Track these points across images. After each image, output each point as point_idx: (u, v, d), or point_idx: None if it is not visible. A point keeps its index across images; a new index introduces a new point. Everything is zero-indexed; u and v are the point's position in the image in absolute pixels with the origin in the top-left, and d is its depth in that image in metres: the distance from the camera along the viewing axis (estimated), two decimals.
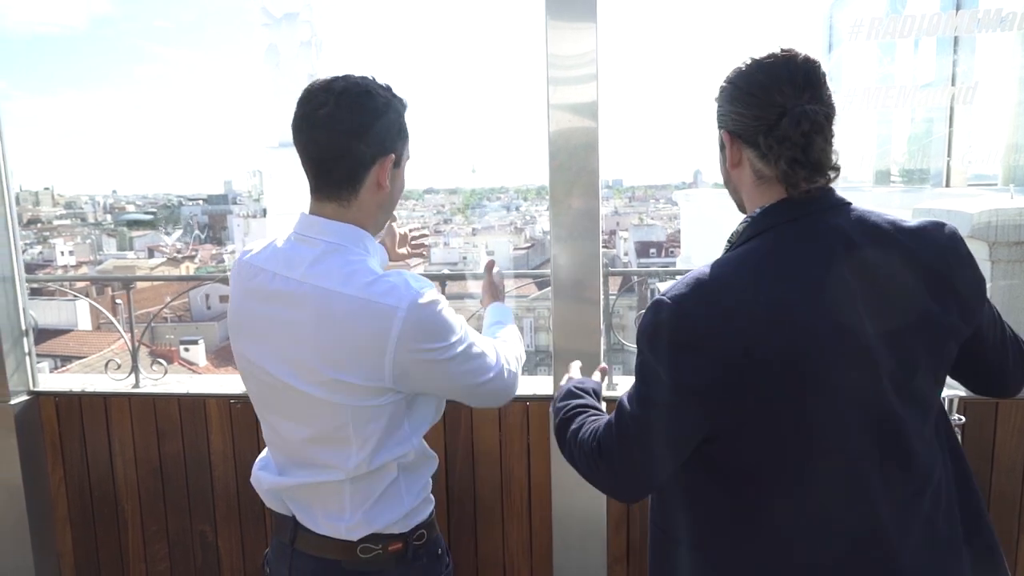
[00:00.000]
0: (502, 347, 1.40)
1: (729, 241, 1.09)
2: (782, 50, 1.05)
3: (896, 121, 5.61)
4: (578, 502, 2.24)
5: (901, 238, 1.04)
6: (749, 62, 1.07)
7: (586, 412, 1.24)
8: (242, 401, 2.45)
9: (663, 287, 1.04)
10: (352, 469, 1.24)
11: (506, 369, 1.35)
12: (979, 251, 2.24)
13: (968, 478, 1.13)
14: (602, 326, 2.23)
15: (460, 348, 1.24)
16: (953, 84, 3.87)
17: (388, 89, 1.25)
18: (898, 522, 1.01)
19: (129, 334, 2.67)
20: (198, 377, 2.69)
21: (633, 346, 2.75)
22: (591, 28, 1.99)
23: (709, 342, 0.96)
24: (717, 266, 1.02)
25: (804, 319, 0.95)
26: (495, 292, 1.74)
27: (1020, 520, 2.22)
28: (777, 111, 1.02)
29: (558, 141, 2.06)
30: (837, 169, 1.05)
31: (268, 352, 1.25)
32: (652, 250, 38.92)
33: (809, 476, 1.00)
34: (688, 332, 0.97)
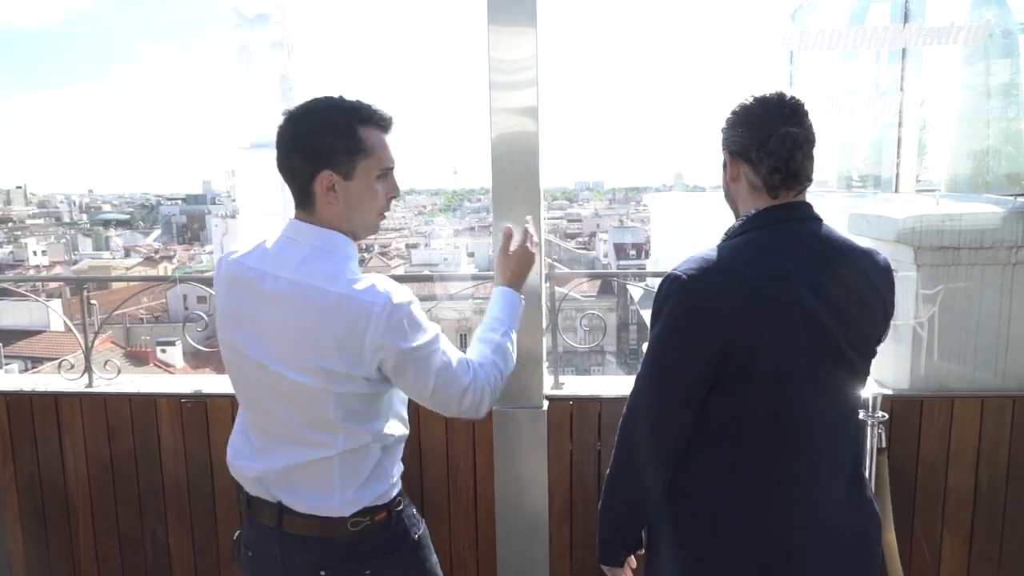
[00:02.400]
0: (482, 361, 1.51)
1: (726, 234, 1.38)
2: (777, 92, 1.35)
3: (858, 127, 5.76)
4: (521, 499, 2.30)
5: (856, 253, 1.36)
6: (751, 98, 1.36)
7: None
8: (193, 400, 2.48)
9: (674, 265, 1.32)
10: (341, 445, 1.38)
11: (473, 387, 1.45)
12: (904, 256, 2.33)
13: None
14: (545, 328, 2.29)
15: (426, 351, 1.38)
16: (901, 91, 4.00)
17: (340, 107, 1.37)
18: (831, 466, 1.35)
19: (83, 335, 2.68)
20: (150, 377, 2.72)
21: (580, 347, 2.79)
22: (531, 33, 2.03)
23: (714, 305, 1.24)
24: (719, 251, 1.31)
25: (774, 297, 1.25)
26: (513, 267, 1.77)
27: (944, 513, 2.31)
28: (768, 134, 1.31)
29: (500, 146, 2.10)
30: (810, 179, 1.36)
31: (260, 344, 1.38)
32: (631, 251, 39.15)
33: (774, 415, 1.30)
34: (697, 297, 1.25)
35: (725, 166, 1.42)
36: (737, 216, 1.42)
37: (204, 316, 2.76)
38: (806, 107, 1.34)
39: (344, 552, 1.42)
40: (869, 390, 2.27)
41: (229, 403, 2.46)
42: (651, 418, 1.34)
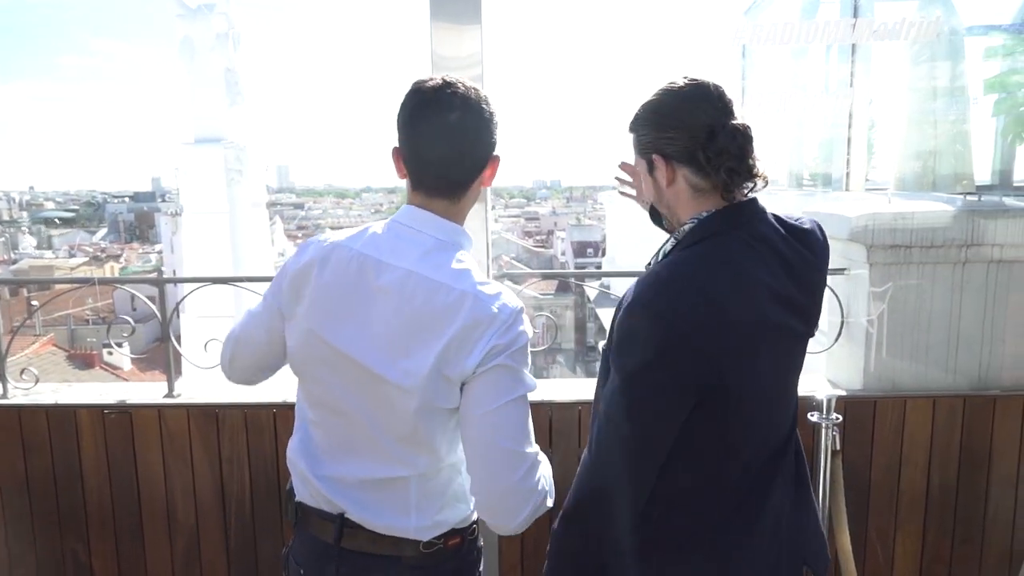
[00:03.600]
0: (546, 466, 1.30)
1: (675, 238, 1.24)
2: (690, 79, 1.21)
3: (808, 125, 5.81)
4: None
5: (805, 238, 1.26)
6: (663, 93, 1.22)
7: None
8: (116, 411, 2.31)
9: (623, 291, 1.18)
10: (422, 467, 1.26)
11: (535, 471, 1.22)
12: (857, 254, 2.30)
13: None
14: None
15: (523, 391, 1.22)
16: (851, 86, 4.02)
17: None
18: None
19: None
20: (72, 387, 2.53)
21: (537, 348, 2.72)
22: (475, 29, 1.96)
23: (693, 341, 1.09)
24: (680, 269, 1.16)
25: (750, 321, 1.14)
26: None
27: (897, 514, 2.29)
28: (709, 130, 1.17)
29: None
30: (765, 178, 1.22)
31: (362, 341, 1.22)
32: (589, 250, 39.40)
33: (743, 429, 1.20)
34: (674, 333, 1.08)
35: (651, 170, 1.25)
36: (674, 221, 1.27)
37: (130, 321, 2.59)
38: (730, 93, 1.21)
39: (410, 575, 1.30)
40: (823, 391, 2.23)
41: (156, 414, 2.30)
42: (627, 474, 1.17)
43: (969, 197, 2.28)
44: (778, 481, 1.26)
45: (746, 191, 1.22)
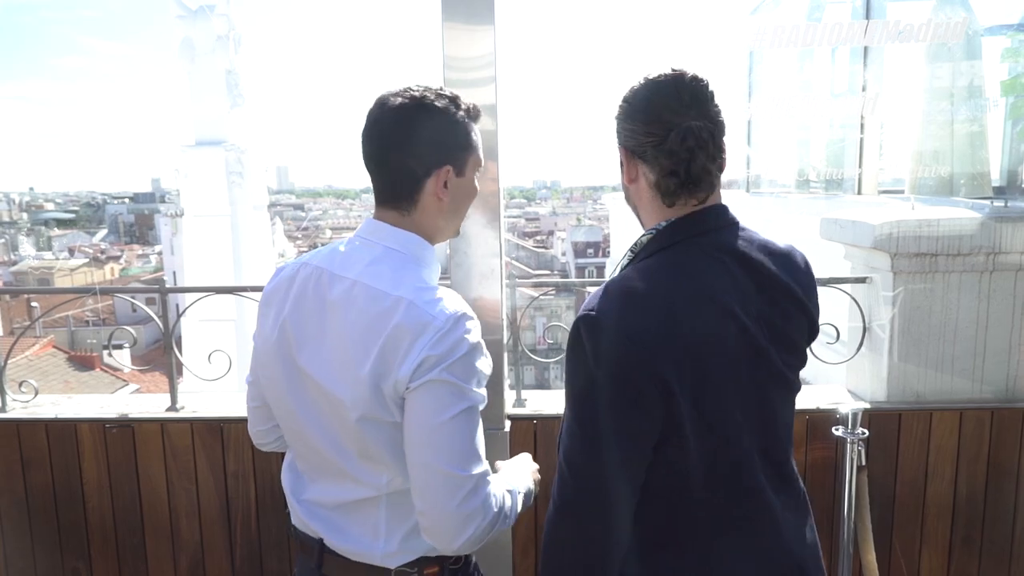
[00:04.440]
0: (504, 484, 1.25)
1: (632, 251, 1.14)
2: (672, 69, 1.10)
3: (815, 127, 5.74)
4: None
5: (779, 258, 1.15)
6: (642, 81, 1.12)
7: None
8: (118, 425, 2.24)
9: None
10: (384, 485, 1.20)
11: (481, 489, 1.13)
12: (881, 262, 2.23)
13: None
14: (505, 341, 2.13)
15: (467, 403, 1.13)
16: (864, 91, 3.95)
17: (451, 100, 1.24)
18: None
19: None
20: (72, 399, 2.47)
21: (545, 360, 2.63)
22: (488, 30, 1.90)
23: (647, 356, 1.00)
24: (636, 280, 1.06)
25: (711, 335, 1.04)
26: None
27: (923, 529, 2.23)
28: (665, 127, 1.07)
29: None
30: (714, 186, 1.11)
31: (319, 359, 1.19)
32: (589, 250, 39.34)
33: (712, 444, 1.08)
34: (626, 347, 1.00)
35: (622, 164, 1.17)
36: (642, 224, 1.19)
37: (132, 332, 2.52)
38: (711, 88, 1.10)
39: None
40: (847, 404, 2.17)
41: (159, 428, 2.24)
42: (595, 488, 1.06)
43: (995, 203, 2.21)
44: (762, 504, 1.13)
45: (695, 201, 1.10)
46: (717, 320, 1.05)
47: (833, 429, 2.08)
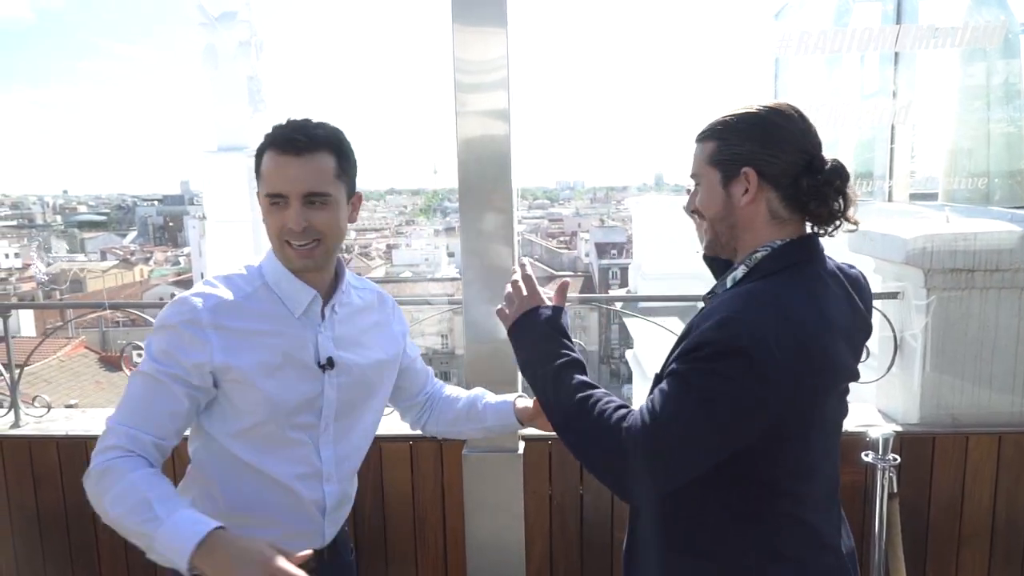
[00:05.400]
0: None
1: (747, 265, 1.18)
2: (788, 104, 1.18)
3: (845, 131, 5.58)
4: (496, 549, 2.07)
5: (853, 281, 1.26)
6: (767, 111, 1.16)
7: (595, 392, 1.20)
8: None
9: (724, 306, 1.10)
10: None
11: (103, 449, 1.24)
12: (914, 277, 2.13)
13: None
14: None
15: (139, 369, 1.27)
16: (895, 98, 3.82)
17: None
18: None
19: (8, 369, 2.41)
20: (85, 413, 2.46)
21: None
22: (500, 33, 1.85)
23: (780, 358, 1.04)
24: (772, 294, 1.11)
25: (829, 354, 1.11)
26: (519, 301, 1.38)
27: (958, 559, 2.12)
28: (806, 158, 1.15)
29: (467, 150, 1.90)
30: (855, 221, 1.19)
31: None
32: (612, 251, 39.09)
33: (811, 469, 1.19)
34: (763, 350, 1.03)
35: (728, 183, 1.18)
36: (730, 243, 1.22)
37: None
38: None
39: None
40: (877, 428, 2.07)
41: None
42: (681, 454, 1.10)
43: None
44: (833, 520, 1.27)
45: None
46: (837, 342, 1.13)
47: (863, 454, 1.98)
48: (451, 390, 1.65)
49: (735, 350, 1.04)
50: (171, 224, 62.51)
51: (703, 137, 1.22)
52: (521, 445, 2.03)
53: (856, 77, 5.03)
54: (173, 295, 2.67)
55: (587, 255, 42.36)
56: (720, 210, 1.21)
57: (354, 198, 1.37)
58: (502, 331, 1.95)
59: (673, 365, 1.11)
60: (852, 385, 2.21)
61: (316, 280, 1.35)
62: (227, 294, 1.30)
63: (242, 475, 1.33)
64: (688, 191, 1.28)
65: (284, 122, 1.29)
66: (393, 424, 2.26)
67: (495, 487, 2.01)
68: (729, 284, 1.21)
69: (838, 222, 1.17)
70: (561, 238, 50.30)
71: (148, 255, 49.26)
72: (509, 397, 1.58)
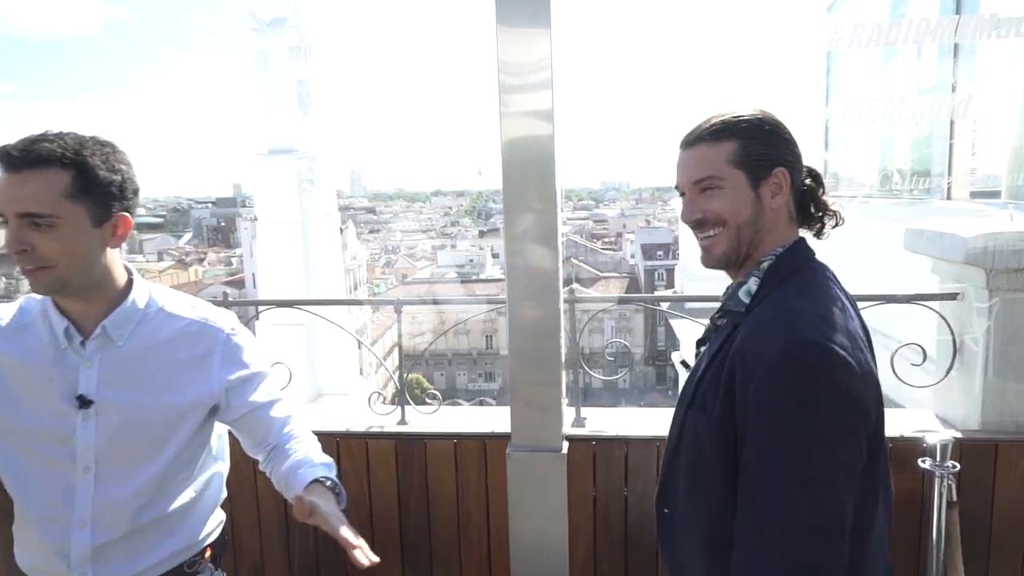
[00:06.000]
0: None
1: (757, 276, 1.13)
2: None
3: (900, 123, 5.41)
4: (539, 549, 2.07)
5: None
6: (771, 115, 1.15)
7: None
8: None
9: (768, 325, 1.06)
10: None
11: None
12: (975, 278, 2.05)
13: None
14: (563, 357, 2.06)
15: None
16: (953, 92, 3.69)
17: None
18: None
19: None
20: None
21: (605, 377, 2.53)
22: (544, 34, 1.84)
23: (865, 384, 1.02)
24: (816, 302, 1.06)
25: (871, 359, 1.10)
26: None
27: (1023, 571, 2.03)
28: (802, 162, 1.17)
29: (511, 151, 1.90)
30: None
31: None
32: (659, 252, 38.68)
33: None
34: (853, 377, 1.00)
35: (759, 185, 1.13)
36: (747, 247, 1.15)
37: None
38: None
39: None
40: (935, 435, 1.99)
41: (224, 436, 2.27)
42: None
43: None
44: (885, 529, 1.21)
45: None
46: (869, 348, 1.11)
47: (920, 461, 1.91)
48: (294, 446, 1.41)
49: (818, 389, 0.99)
50: (224, 225, 64.26)
51: (716, 137, 1.13)
52: (565, 445, 2.03)
53: (913, 70, 4.87)
54: (225, 294, 2.74)
55: (633, 256, 42.02)
56: (751, 214, 1.14)
57: (115, 220, 1.21)
58: (546, 331, 1.96)
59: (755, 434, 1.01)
60: (909, 390, 2.15)
61: (77, 308, 1.24)
62: (5, 318, 1.27)
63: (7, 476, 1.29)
64: (683, 196, 1.20)
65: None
66: (439, 422, 2.29)
67: (539, 487, 2.01)
68: (744, 299, 1.14)
69: (820, 224, 1.20)
70: (606, 239, 50.02)
71: (202, 256, 50.79)
72: (308, 476, 1.31)
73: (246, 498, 2.29)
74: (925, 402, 2.28)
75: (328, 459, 1.39)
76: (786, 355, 0.98)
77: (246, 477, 2.28)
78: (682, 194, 1.20)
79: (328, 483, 1.29)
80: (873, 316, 2.11)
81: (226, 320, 1.38)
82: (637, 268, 39.77)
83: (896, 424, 2.11)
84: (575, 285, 2.48)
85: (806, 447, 0.98)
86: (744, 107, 1.16)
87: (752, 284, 1.14)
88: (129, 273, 1.30)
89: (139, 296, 1.29)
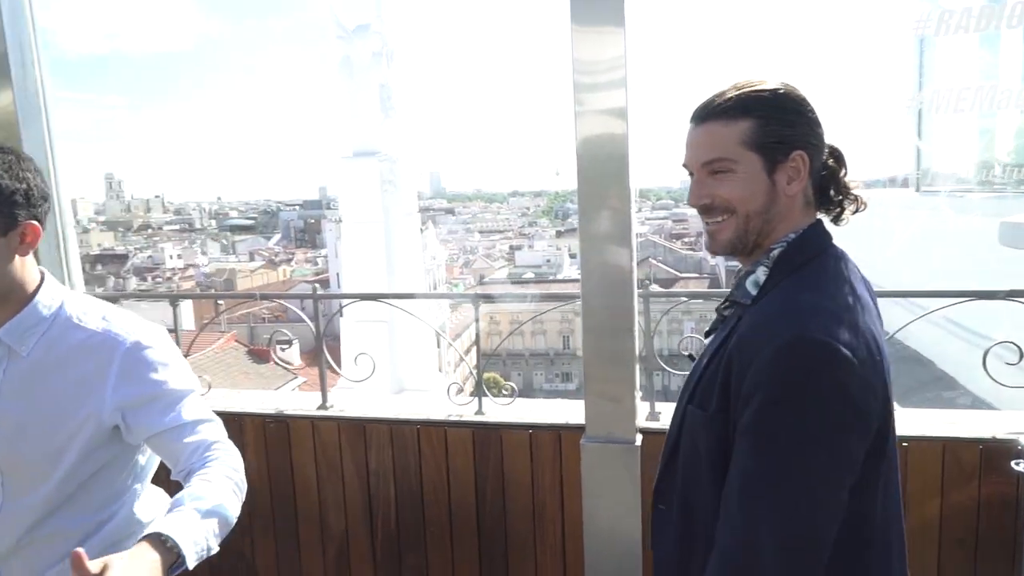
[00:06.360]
0: None
1: (766, 266, 1.06)
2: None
3: (1001, 113, 5.10)
4: (613, 541, 2.10)
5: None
6: (793, 88, 1.07)
7: None
8: (275, 420, 2.44)
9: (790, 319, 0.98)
10: None
11: None
12: None
13: None
14: (638, 352, 2.08)
15: None
16: None
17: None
18: None
19: None
20: (240, 394, 2.71)
21: (683, 372, 2.57)
22: (618, 32, 1.87)
23: (870, 383, 0.96)
24: (825, 294, 1.00)
25: (885, 356, 1.02)
26: None
27: None
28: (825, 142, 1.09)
29: (586, 150, 1.93)
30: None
31: None
32: None
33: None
34: (855, 376, 0.93)
35: (775, 170, 1.03)
36: (757, 236, 1.06)
37: (288, 333, 2.74)
38: None
39: None
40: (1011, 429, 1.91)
41: (310, 425, 2.41)
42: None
43: None
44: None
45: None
46: (882, 344, 1.02)
47: (1013, 463, 1.83)
48: (198, 478, 1.18)
49: (817, 386, 0.92)
50: (310, 226, 66.74)
51: (730, 114, 1.03)
52: (639, 438, 2.05)
53: (1017, 57, 4.59)
54: (315, 287, 2.90)
55: (714, 256, 40.95)
56: (764, 202, 1.04)
57: (21, 228, 1.16)
58: (620, 325, 1.99)
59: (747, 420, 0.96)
60: (1003, 391, 2.06)
61: None
62: None
63: None
64: (691, 175, 1.10)
65: None
66: (513, 412, 2.35)
67: (613, 478, 2.03)
68: (752, 289, 1.07)
69: (839, 209, 1.11)
70: (686, 239, 48.99)
71: (290, 256, 52.95)
72: (159, 524, 1.06)
73: (333, 481, 2.41)
74: (1020, 403, 2.17)
75: (222, 501, 1.14)
76: (785, 353, 0.92)
77: (332, 459, 2.41)
78: (691, 174, 1.10)
79: (168, 543, 1.02)
80: (965, 313, 2.04)
81: (138, 333, 1.25)
82: (718, 268, 38.76)
83: (989, 425, 2.03)
84: (653, 286, 2.50)
85: (796, 452, 0.92)
86: (764, 78, 1.05)
87: (760, 274, 1.06)
88: (40, 280, 1.25)
89: (45, 304, 1.23)
